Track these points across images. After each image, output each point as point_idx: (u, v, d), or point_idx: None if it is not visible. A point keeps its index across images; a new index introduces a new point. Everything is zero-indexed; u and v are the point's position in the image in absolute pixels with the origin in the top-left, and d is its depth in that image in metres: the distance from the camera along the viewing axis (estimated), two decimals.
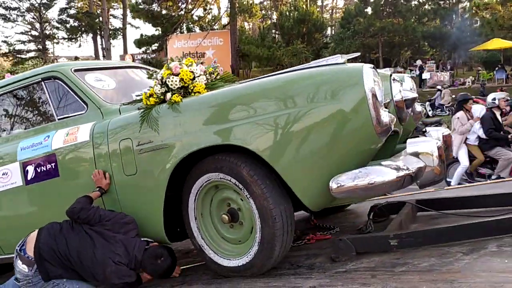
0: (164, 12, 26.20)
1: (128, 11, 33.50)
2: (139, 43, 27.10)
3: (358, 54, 3.43)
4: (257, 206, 2.54)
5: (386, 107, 2.94)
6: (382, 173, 2.38)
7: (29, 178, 3.19)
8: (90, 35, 43.81)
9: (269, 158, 2.47)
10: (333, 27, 47.42)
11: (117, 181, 2.93)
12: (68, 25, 44.09)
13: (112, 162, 2.93)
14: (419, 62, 28.32)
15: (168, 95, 2.86)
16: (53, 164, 3.11)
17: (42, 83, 3.34)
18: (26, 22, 46.44)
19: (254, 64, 35.30)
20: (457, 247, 2.41)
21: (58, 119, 3.25)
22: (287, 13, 35.00)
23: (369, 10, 32.20)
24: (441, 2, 29.12)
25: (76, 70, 3.34)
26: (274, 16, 42.75)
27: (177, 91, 2.87)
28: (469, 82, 24.70)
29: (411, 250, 2.51)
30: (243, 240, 2.75)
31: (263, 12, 50.14)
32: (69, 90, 3.24)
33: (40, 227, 2.87)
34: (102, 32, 39.43)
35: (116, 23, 44.93)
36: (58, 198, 3.09)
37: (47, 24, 46.89)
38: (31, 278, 2.70)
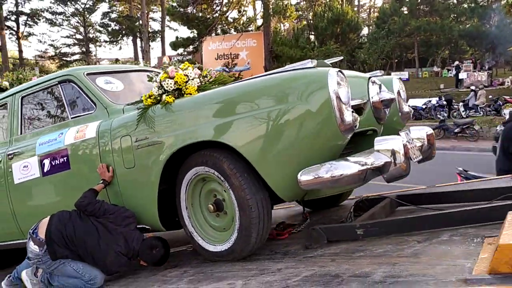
0: (199, 14, 26.80)
1: None
2: (174, 45, 27.90)
3: (341, 58, 3.65)
4: (236, 196, 2.82)
5: (362, 108, 3.17)
6: (346, 167, 2.61)
7: (45, 170, 3.60)
8: (130, 37, 45.25)
9: (246, 154, 2.74)
10: (371, 27, 46.99)
11: (118, 174, 3.27)
12: (109, 29, 45.71)
13: (115, 156, 3.27)
14: (456, 62, 27.75)
15: (164, 96, 3.18)
16: (65, 158, 3.49)
17: (59, 85, 3.74)
18: (71, 26, 48.44)
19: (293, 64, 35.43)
20: (416, 236, 2.61)
21: (71, 118, 3.64)
22: (322, 14, 34.97)
23: (405, 9, 31.79)
24: (479, 0, 28.40)
25: (88, 74, 3.72)
26: (310, 17, 42.69)
27: (172, 93, 3.19)
28: (508, 82, 24.01)
29: (376, 238, 2.72)
30: (227, 227, 3.03)
31: (300, 13, 50.18)
32: (81, 92, 3.62)
33: (52, 214, 3.25)
34: (142, 35, 40.67)
35: (155, 26, 46.24)
36: (69, 189, 3.47)
37: (90, 27, 48.74)
38: (41, 257, 3.08)
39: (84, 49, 48.36)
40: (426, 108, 20.08)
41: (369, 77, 3.29)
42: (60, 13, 46.60)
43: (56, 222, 3.15)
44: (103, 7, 51.39)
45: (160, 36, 42.77)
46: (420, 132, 3.59)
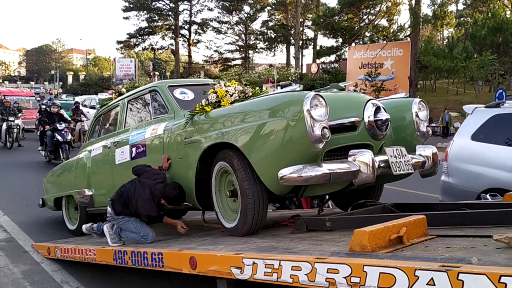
0: (344, 24, 27.37)
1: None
2: (318, 54, 28.96)
3: (352, 82, 4.23)
4: (239, 186, 3.70)
5: (356, 125, 3.75)
6: (314, 169, 3.31)
7: (132, 155, 4.93)
8: (284, 45, 47.81)
9: (246, 153, 3.61)
10: None
11: (173, 163, 4.40)
12: (266, 36, 48.92)
13: (172, 149, 4.41)
14: None
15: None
16: (144, 148, 4.76)
17: (148, 94, 5.04)
18: (234, 34, 53.01)
19: (440, 75, 33.75)
20: None
21: (153, 118, 4.89)
22: (483, 22, 32.59)
23: None
24: None
25: (169, 86, 4.94)
26: (469, 25, 39.83)
27: (213, 105, 4.20)
28: None
29: (338, 229, 3.34)
30: (237, 210, 3.92)
31: (468, 19, 46.92)
32: (162, 100, 4.85)
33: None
34: (295, 42, 42.68)
35: (310, 33, 48.03)
36: None
37: (251, 35, 52.67)
38: (112, 215, 4.38)
39: (243, 55, 52.59)
40: None
41: (369, 99, 3.86)
42: (226, 22, 51.43)
43: (119, 188, 4.42)
44: (263, 16, 55.18)
45: (312, 44, 44.38)
46: (425, 151, 4.02)
